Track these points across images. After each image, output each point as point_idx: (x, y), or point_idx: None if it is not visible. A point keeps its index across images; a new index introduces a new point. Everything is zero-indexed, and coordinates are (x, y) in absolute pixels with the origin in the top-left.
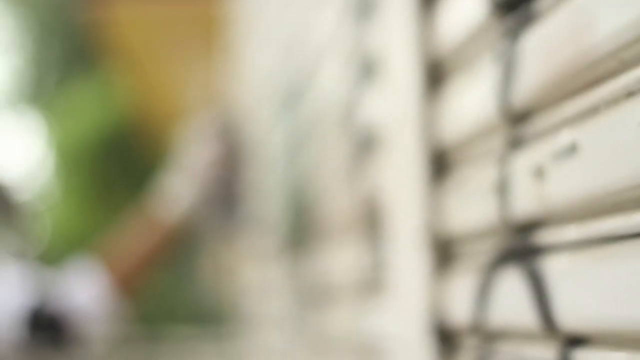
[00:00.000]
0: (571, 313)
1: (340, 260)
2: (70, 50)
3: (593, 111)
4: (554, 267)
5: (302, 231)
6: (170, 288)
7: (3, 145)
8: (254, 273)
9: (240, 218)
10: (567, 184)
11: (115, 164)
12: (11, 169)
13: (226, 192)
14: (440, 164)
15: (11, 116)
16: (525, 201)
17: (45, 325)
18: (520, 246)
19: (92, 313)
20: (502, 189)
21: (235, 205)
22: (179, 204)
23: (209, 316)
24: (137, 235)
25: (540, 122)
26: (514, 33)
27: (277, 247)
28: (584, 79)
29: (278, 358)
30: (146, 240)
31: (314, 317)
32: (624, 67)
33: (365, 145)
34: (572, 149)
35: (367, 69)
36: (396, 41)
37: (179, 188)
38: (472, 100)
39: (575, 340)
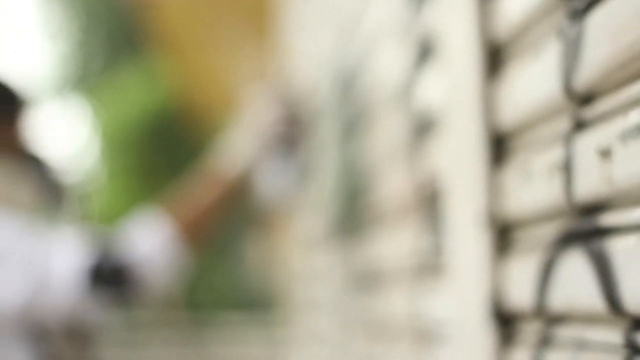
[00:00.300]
0: (638, 295)
1: (396, 244)
2: (115, 35)
3: None
4: (621, 249)
5: (353, 215)
6: (218, 274)
7: (50, 130)
8: (302, 258)
9: (297, 179)
10: (634, 164)
11: (160, 148)
12: (58, 153)
13: (286, 151)
14: (500, 146)
15: (57, 101)
16: (591, 182)
17: (110, 278)
18: (585, 228)
19: (157, 262)
20: (566, 170)
21: (294, 164)
22: (239, 159)
23: (257, 302)
24: (199, 188)
25: (607, 102)
26: (578, 13)
27: (326, 232)
28: None
29: (327, 344)
30: (208, 192)
31: (366, 302)
32: None
33: (423, 128)
34: None
35: (425, 51)
36: (455, 22)
37: (240, 144)
38: (534, 82)
39: None
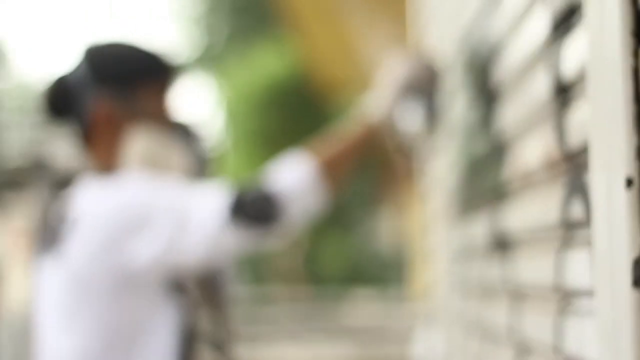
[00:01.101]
0: None
1: (538, 211)
2: (242, 4)
3: None
4: None
5: (490, 185)
6: (347, 249)
7: (182, 97)
8: (432, 233)
9: (433, 120)
10: None
11: (287, 116)
12: (194, 122)
13: (421, 95)
14: None
15: (187, 71)
16: None
17: (252, 208)
18: None
19: (299, 195)
20: None
21: (429, 107)
22: (378, 107)
23: (387, 277)
24: (340, 132)
25: None
26: None
27: (458, 205)
28: None
29: (463, 316)
30: (348, 135)
31: (505, 271)
32: None
33: (568, 93)
34: None
35: (569, 14)
36: None
37: (378, 96)
38: None
39: None
